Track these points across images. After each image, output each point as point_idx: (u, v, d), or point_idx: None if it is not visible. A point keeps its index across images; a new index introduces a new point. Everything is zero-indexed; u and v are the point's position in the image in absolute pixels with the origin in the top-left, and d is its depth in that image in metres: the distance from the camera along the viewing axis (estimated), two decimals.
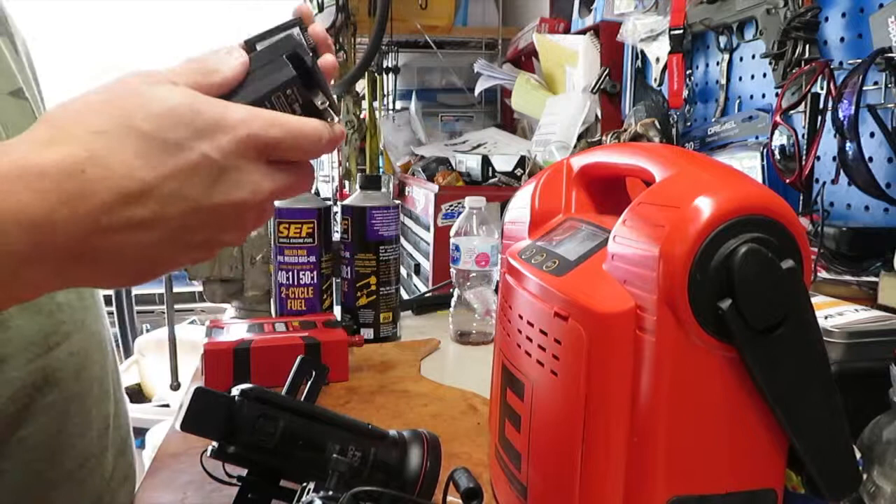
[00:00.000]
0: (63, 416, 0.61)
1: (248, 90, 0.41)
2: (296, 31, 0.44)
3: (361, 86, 2.28)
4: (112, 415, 0.69)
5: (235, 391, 0.46)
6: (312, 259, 0.99)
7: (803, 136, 0.88)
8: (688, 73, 1.22)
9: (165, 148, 0.36)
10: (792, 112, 0.91)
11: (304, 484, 0.46)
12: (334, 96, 0.45)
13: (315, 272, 1.00)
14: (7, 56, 0.61)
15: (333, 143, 0.43)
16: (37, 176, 0.33)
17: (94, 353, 0.66)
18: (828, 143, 0.88)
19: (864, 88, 0.79)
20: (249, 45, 0.43)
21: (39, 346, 0.58)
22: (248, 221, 0.41)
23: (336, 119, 0.44)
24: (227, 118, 0.38)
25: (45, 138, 0.35)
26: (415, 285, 1.61)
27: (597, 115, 1.49)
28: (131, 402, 2.74)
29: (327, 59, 0.46)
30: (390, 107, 2.42)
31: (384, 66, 2.28)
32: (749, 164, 1.01)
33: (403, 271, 1.63)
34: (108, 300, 3.70)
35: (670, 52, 1.20)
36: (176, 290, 1.03)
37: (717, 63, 1.16)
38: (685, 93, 1.20)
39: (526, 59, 1.92)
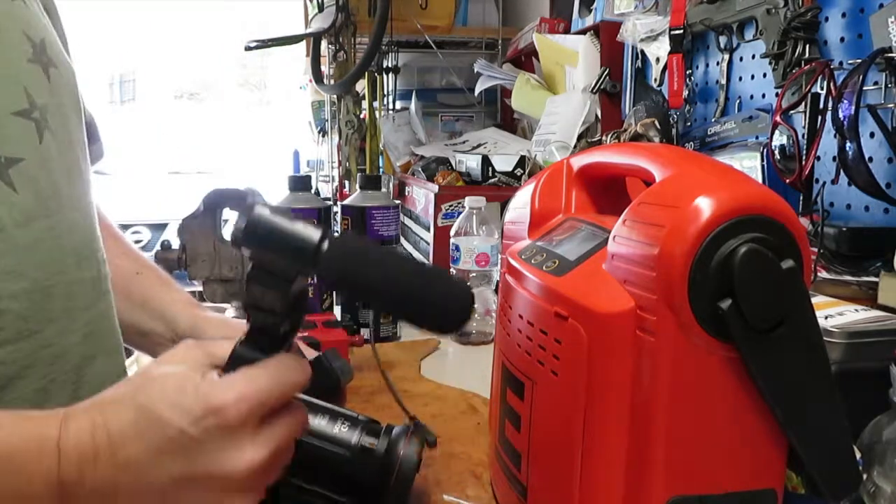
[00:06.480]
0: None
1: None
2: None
3: (361, 86, 2.27)
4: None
5: None
6: None
7: (803, 136, 0.88)
8: (688, 73, 1.21)
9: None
10: (792, 112, 0.91)
11: None
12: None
13: None
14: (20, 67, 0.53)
15: (308, 375, 0.42)
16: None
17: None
18: (828, 143, 0.88)
19: (864, 88, 0.79)
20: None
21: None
22: (235, 498, 0.40)
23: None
24: (211, 399, 0.39)
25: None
26: None
27: (597, 115, 1.48)
28: None
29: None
30: (390, 107, 2.41)
31: (384, 66, 2.27)
32: (749, 164, 1.00)
33: None
34: None
35: (670, 52, 1.20)
36: None
37: (717, 63, 1.16)
38: (685, 93, 1.20)
39: (526, 59, 1.92)
